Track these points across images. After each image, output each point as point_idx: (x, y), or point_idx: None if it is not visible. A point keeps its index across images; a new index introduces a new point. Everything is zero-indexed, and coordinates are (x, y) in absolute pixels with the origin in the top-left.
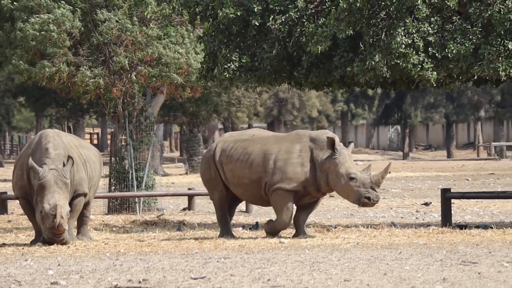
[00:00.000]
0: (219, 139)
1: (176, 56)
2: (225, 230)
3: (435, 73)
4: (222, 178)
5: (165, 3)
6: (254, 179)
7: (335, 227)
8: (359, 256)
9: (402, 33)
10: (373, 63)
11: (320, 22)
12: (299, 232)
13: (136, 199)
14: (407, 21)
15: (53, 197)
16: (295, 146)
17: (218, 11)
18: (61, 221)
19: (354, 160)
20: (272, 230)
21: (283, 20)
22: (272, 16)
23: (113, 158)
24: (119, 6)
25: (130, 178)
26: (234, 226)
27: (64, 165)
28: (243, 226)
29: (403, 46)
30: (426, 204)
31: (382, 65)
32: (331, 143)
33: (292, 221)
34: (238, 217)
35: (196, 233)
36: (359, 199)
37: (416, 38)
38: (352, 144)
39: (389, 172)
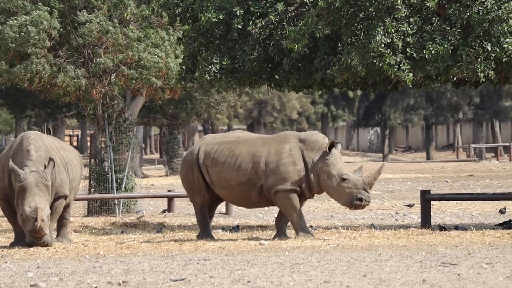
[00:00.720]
0: (200, 141)
1: (156, 60)
2: (206, 232)
3: (411, 74)
4: (207, 180)
5: (144, 5)
6: (243, 181)
7: (315, 229)
8: (339, 258)
9: (382, 33)
10: (349, 61)
11: (299, 24)
12: (280, 234)
13: (116, 201)
14: (387, 20)
15: (34, 200)
16: (284, 146)
17: (199, 14)
18: (42, 225)
19: None
20: (297, 231)
21: (264, 23)
22: (252, 20)
23: (92, 160)
24: (98, 7)
25: (110, 180)
26: (214, 228)
27: (45, 167)
28: (223, 228)
29: (382, 45)
30: (410, 205)
31: (358, 64)
32: (332, 145)
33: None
34: (218, 219)
35: (176, 235)
36: (351, 201)
37: (395, 38)
38: (339, 145)
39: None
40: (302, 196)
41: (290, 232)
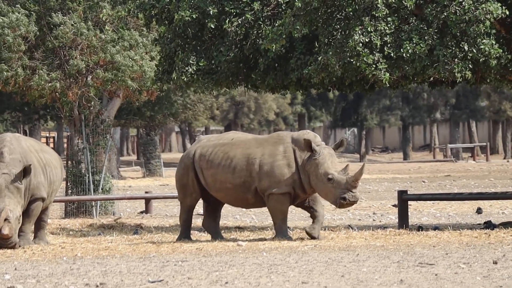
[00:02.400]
0: (196, 144)
1: (130, 63)
2: (186, 234)
3: (387, 74)
4: (202, 183)
5: (120, 6)
6: (238, 183)
7: (293, 230)
8: (317, 259)
9: (360, 32)
10: (326, 60)
11: (276, 24)
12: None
13: (93, 203)
14: (365, 20)
15: (3, 202)
16: (278, 147)
17: (174, 14)
18: (4, 225)
19: None
20: (276, 234)
21: (240, 23)
22: (228, 19)
23: (69, 162)
24: (73, 9)
25: (87, 181)
26: (192, 229)
27: (25, 172)
28: (201, 229)
29: (360, 44)
30: (395, 205)
31: (335, 63)
32: (307, 145)
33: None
34: (196, 220)
35: (154, 237)
36: (335, 201)
37: (374, 37)
38: (342, 141)
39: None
40: (297, 198)
41: (268, 233)
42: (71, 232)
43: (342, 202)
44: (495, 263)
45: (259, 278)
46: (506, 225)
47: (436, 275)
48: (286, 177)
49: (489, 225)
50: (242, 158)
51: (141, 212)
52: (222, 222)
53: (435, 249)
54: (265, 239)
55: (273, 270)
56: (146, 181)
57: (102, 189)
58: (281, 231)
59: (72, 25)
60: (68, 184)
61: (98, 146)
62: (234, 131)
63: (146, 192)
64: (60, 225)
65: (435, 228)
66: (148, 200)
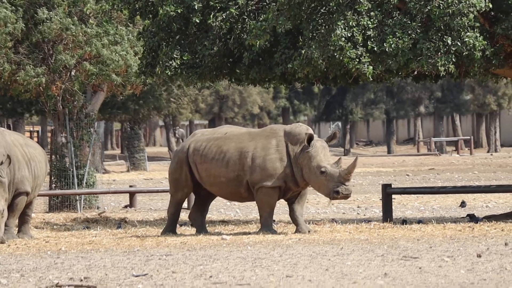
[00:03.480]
0: (190, 138)
1: (116, 58)
2: (171, 227)
3: (371, 67)
4: (196, 177)
5: (104, 0)
6: (232, 177)
7: (277, 223)
8: (301, 252)
9: (342, 26)
10: (309, 54)
11: (261, 18)
12: (300, 228)
13: (77, 197)
14: (348, 14)
15: None
16: (271, 141)
17: (159, 8)
18: None
19: None
20: (262, 226)
21: (224, 17)
22: (212, 13)
23: (53, 156)
24: (58, 4)
25: (71, 176)
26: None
27: (1, 163)
28: (185, 223)
29: (343, 39)
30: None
31: (319, 57)
32: (310, 139)
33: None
34: (181, 214)
35: (138, 231)
36: (329, 194)
37: (356, 32)
38: (335, 133)
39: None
40: (289, 191)
41: (252, 226)
42: (55, 226)
43: (335, 195)
44: (479, 256)
45: (244, 272)
46: (490, 218)
47: (420, 268)
48: (278, 170)
49: (472, 217)
50: (235, 152)
51: (126, 206)
52: (207, 216)
53: (419, 242)
54: (250, 233)
55: (257, 263)
56: (130, 175)
57: (86, 183)
58: (266, 224)
59: (58, 20)
60: (52, 178)
61: (82, 140)
62: (228, 125)
63: (130, 186)
64: (44, 219)
65: (419, 221)
66: (132, 194)
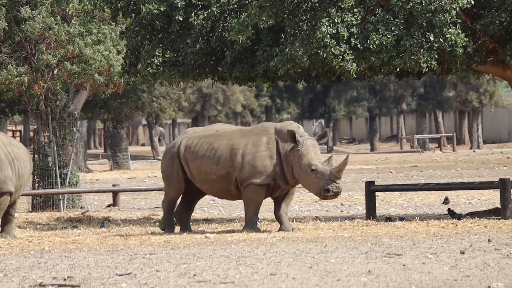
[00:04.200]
0: (182, 135)
1: (98, 57)
2: (168, 223)
3: (354, 64)
4: (188, 174)
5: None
6: (222, 174)
7: (261, 221)
8: (285, 250)
9: (327, 23)
10: (293, 52)
11: (243, 16)
12: (284, 226)
13: (60, 196)
14: (332, 11)
15: None
16: (261, 138)
17: (141, 6)
18: None
19: None
20: (246, 224)
21: (206, 15)
22: (194, 12)
23: (36, 155)
24: (41, 3)
25: (54, 175)
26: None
27: None
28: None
29: (328, 36)
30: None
31: (302, 55)
32: (291, 135)
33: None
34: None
35: (121, 230)
36: (320, 192)
37: (341, 28)
38: (325, 132)
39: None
40: (278, 189)
41: (236, 225)
42: (38, 226)
43: (326, 193)
44: (462, 253)
45: (227, 270)
46: (473, 215)
47: (403, 265)
48: (267, 168)
49: (451, 213)
50: (226, 149)
51: (109, 205)
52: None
53: (403, 239)
54: (233, 231)
55: (241, 262)
56: (113, 174)
57: (69, 182)
58: (251, 222)
59: (41, 20)
60: (35, 178)
61: (65, 139)
62: (220, 123)
63: (113, 185)
64: (27, 218)
65: (402, 218)
66: (115, 193)
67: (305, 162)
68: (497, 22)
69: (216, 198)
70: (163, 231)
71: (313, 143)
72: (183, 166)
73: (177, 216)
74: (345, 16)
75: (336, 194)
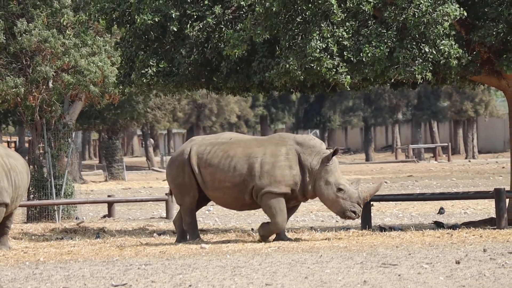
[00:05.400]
0: (189, 143)
1: (93, 69)
2: (195, 235)
3: (348, 77)
4: (199, 182)
5: (81, 11)
6: (238, 182)
7: (255, 232)
8: (280, 260)
9: (317, 38)
10: (287, 66)
11: (238, 27)
12: (280, 236)
13: (55, 207)
14: (322, 25)
15: None
16: (280, 148)
17: (136, 17)
18: None
19: None
20: (267, 233)
21: (201, 26)
22: (190, 23)
23: (31, 166)
24: (37, 15)
25: (49, 186)
26: (155, 232)
27: None
28: (164, 232)
29: (317, 50)
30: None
31: (297, 68)
32: (335, 152)
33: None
34: (158, 224)
35: (117, 240)
36: (344, 212)
37: (331, 43)
38: (336, 150)
39: None
40: (294, 199)
41: (231, 235)
42: (33, 237)
43: (351, 215)
44: (457, 263)
45: (223, 281)
46: (468, 225)
47: (399, 275)
48: (286, 178)
49: (438, 224)
50: (242, 157)
51: (104, 216)
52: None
53: (398, 249)
54: (229, 242)
55: (236, 272)
56: (108, 185)
57: (64, 193)
58: (278, 231)
59: (37, 32)
60: (30, 189)
61: (60, 150)
62: (230, 132)
63: (108, 196)
64: (22, 229)
65: (391, 228)
66: (110, 204)
67: (332, 179)
68: (494, 33)
69: (211, 209)
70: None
71: (338, 162)
72: (194, 174)
73: (176, 225)
74: (336, 30)
75: (358, 217)
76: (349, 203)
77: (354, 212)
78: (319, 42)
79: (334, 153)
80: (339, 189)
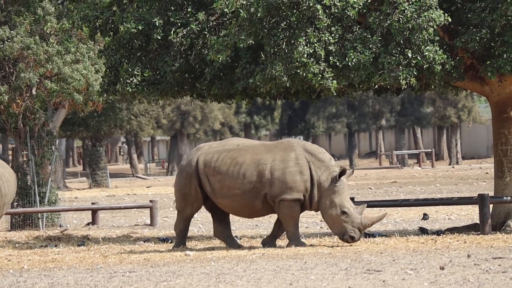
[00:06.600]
0: (196, 152)
1: (77, 77)
2: (181, 243)
3: (335, 81)
4: (207, 190)
5: (65, 18)
6: (247, 189)
7: (240, 238)
8: (265, 267)
9: (304, 43)
10: (273, 72)
11: (221, 34)
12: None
13: (39, 215)
14: (308, 30)
15: None
16: (289, 154)
17: (119, 25)
18: None
19: None
20: (290, 240)
21: (185, 33)
22: (173, 30)
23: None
24: (20, 22)
25: (33, 193)
26: (140, 240)
27: None
28: (148, 240)
29: (305, 55)
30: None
31: (283, 75)
32: (342, 173)
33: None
34: (142, 231)
35: (101, 248)
36: (343, 234)
37: (318, 48)
38: (350, 171)
39: None
40: (303, 207)
41: (216, 242)
42: (17, 245)
43: (349, 240)
44: (442, 268)
45: None
46: (452, 230)
47: (383, 281)
48: (298, 184)
49: (422, 230)
50: (251, 164)
51: (88, 224)
52: (169, 232)
53: (382, 255)
54: (213, 249)
55: (221, 279)
56: (92, 192)
57: (48, 201)
58: (294, 238)
59: (20, 39)
60: (14, 197)
61: (43, 158)
62: (237, 138)
63: (92, 203)
64: (6, 237)
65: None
66: (94, 211)
67: (338, 200)
68: (477, 38)
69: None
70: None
71: (347, 183)
72: (201, 184)
73: (218, 235)
74: (322, 35)
75: (356, 241)
76: (350, 227)
77: (353, 238)
78: (306, 47)
79: (342, 173)
80: (343, 212)
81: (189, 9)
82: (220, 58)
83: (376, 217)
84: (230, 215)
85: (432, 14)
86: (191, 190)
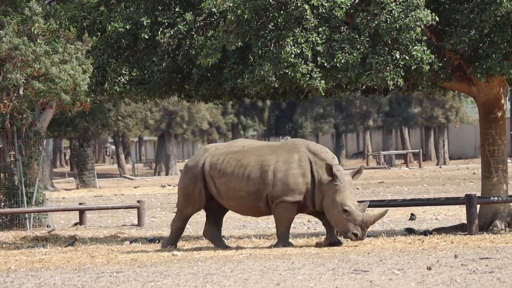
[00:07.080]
0: (203, 153)
1: (64, 77)
2: (173, 242)
3: (323, 82)
4: (213, 192)
5: (52, 18)
6: (252, 191)
7: (228, 239)
8: (252, 267)
9: (291, 43)
10: (262, 73)
11: (209, 34)
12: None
13: (27, 215)
14: (296, 31)
15: None
16: (293, 155)
17: (107, 25)
18: None
19: None
20: (278, 240)
21: (172, 33)
22: (161, 30)
23: (2, 174)
24: (8, 22)
25: (20, 194)
26: (126, 240)
27: None
28: (135, 240)
29: (293, 55)
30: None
31: (271, 75)
32: (329, 170)
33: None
34: (130, 231)
35: (88, 248)
36: (346, 233)
37: (305, 48)
38: (360, 168)
39: None
40: (305, 209)
41: (203, 242)
42: (4, 245)
43: (352, 237)
44: (429, 269)
45: None
46: (439, 231)
47: (371, 281)
48: (300, 186)
49: (409, 230)
50: (255, 165)
51: (75, 224)
52: (157, 232)
53: (370, 255)
54: (200, 249)
55: (208, 279)
56: (80, 193)
57: (35, 201)
58: (283, 238)
59: (8, 40)
60: (1, 197)
61: (31, 158)
62: (242, 139)
63: (80, 204)
64: None
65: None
66: (82, 212)
67: (339, 199)
68: (466, 39)
69: None
70: (130, 251)
71: (350, 181)
72: (207, 186)
73: (207, 236)
74: (310, 35)
75: (360, 240)
76: (352, 225)
77: (355, 235)
78: (293, 47)
79: (330, 170)
80: (344, 210)
81: (176, 9)
82: (210, 62)
83: (377, 214)
84: (224, 217)
85: (419, 13)
86: (195, 191)
